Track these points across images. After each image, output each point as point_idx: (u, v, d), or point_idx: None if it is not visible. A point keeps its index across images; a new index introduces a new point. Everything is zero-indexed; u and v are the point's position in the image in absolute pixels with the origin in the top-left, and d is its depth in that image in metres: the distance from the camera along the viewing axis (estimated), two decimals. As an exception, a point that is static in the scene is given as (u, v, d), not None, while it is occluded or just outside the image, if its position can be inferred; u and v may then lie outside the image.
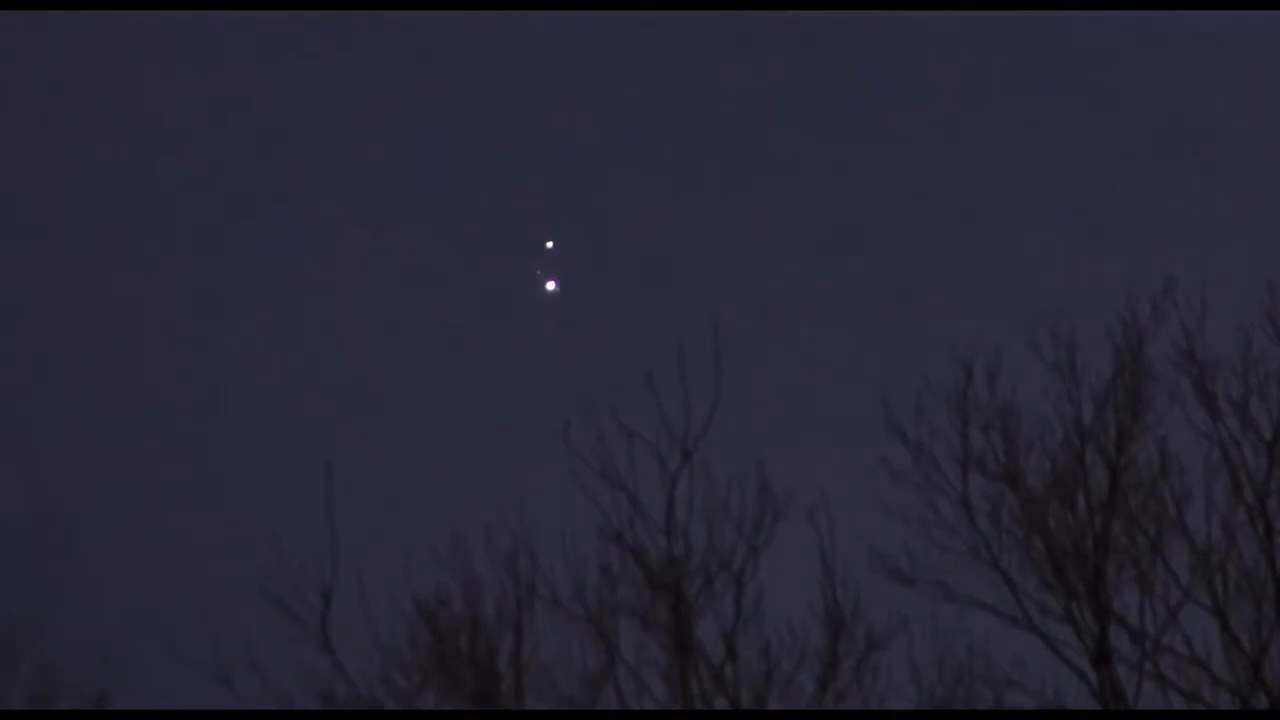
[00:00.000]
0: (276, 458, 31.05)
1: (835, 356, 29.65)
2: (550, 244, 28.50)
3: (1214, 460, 26.31)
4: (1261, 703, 25.57)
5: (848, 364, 29.36)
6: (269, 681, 25.81)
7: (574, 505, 26.32)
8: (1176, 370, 26.64)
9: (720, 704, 26.11)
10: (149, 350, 33.48)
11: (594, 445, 26.55)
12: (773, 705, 26.04)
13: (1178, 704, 25.75)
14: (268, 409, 32.42)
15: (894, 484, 26.74)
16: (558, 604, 26.44)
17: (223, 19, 34.55)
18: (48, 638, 28.23)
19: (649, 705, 26.13)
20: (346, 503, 26.55)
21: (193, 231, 35.31)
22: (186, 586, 29.36)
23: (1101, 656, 25.91)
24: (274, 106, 36.09)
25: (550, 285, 27.95)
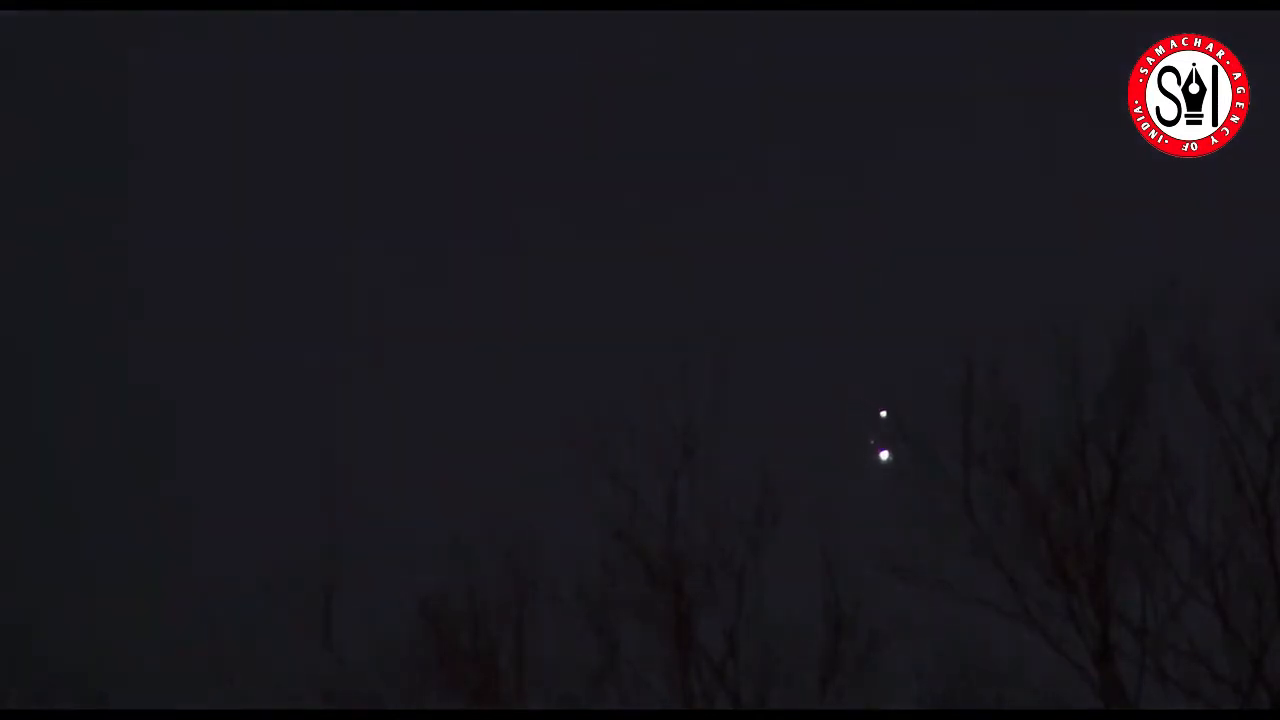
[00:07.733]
0: (277, 454, 30.97)
1: (836, 354, 29.59)
2: (884, 413, 28.13)
3: (1215, 457, 26.37)
4: (1262, 699, 25.61)
5: (849, 362, 29.30)
6: (271, 679, 25.87)
7: (576, 503, 26.37)
8: (1178, 367, 26.69)
9: (721, 701, 26.15)
10: (147, 347, 33.40)
11: (596, 443, 26.66)
12: (774, 702, 26.08)
13: (1179, 700, 25.79)
14: (268, 407, 32.34)
15: (896, 481, 26.78)
16: (559, 601, 26.51)
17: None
18: (48, 638, 28.15)
19: (650, 702, 26.16)
20: (348, 499, 26.62)
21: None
22: (187, 586, 29.30)
23: (1103, 653, 25.95)
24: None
25: (884, 455, 27.91)
